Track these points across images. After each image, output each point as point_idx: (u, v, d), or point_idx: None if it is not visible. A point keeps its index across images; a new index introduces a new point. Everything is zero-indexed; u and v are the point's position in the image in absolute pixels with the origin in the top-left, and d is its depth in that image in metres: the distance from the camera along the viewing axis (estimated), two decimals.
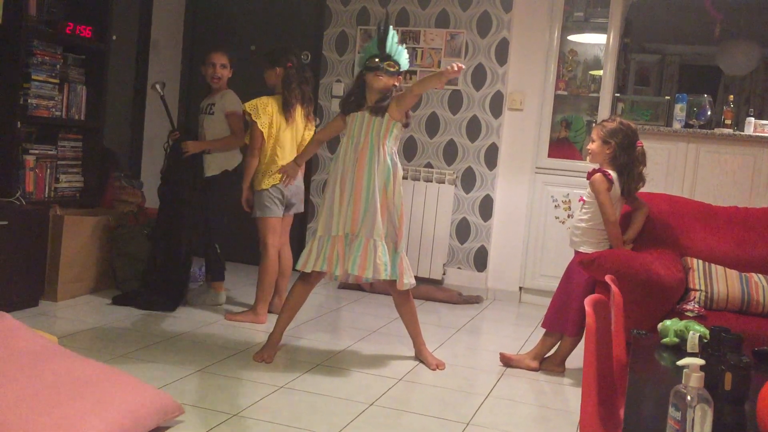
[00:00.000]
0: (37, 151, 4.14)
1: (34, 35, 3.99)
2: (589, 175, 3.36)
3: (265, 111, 3.87)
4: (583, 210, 3.40)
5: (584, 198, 3.41)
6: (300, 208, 4.17)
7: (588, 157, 3.45)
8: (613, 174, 3.30)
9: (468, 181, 5.08)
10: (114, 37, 4.67)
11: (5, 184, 3.85)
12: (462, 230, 5.11)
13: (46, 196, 4.20)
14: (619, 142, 3.30)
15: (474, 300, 4.89)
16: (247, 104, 3.90)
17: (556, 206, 4.92)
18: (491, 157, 5.03)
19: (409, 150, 5.18)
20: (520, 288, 5.04)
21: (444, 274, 5.09)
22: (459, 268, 5.12)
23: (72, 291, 4.05)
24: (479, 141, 5.05)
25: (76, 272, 4.07)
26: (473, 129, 5.06)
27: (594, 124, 3.47)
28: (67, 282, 4.01)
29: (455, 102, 5.08)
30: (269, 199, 3.93)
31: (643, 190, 3.45)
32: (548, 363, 3.47)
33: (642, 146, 3.36)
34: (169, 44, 5.60)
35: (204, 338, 3.54)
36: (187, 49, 5.70)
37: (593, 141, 3.38)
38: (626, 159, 3.30)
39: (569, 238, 3.49)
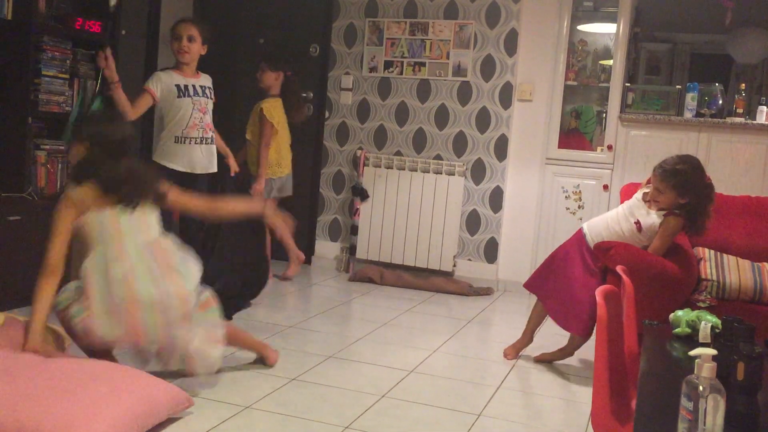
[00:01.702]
0: (48, 147, 4.15)
1: (43, 31, 4.00)
2: (667, 213, 3.09)
3: (276, 111, 4.54)
4: (635, 231, 3.17)
5: (642, 225, 3.15)
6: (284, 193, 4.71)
7: (652, 205, 3.12)
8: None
9: (478, 172, 5.07)
10: (123, 32, 4.68)
11: (17, 180, 3.87)
12: (472, 222, 5.10)
13: (58, 191, 4.22)
14: (695, 192, 3.05)
15: (484, 292, 4.89)
16: (263, 109, 4.50)
17: (566, 197, 4.90)
18: (501, 148, 5.02)
19: (418, 142, 5.18)
20: None
21: (454, 265, 5.09)
22: (469, 259, 5.12)
23: None
24: (489, 132, 5.04)
25: None
26: (483, 120, 5.04)
27: (660, 171, 3.06)
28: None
29: (464, 93, 5.07)
30: (268, 187, 4.54)
31: None
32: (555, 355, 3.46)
33: (710, 181, 3.12)
34: None
35: None
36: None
37: (659, 191, 3.07)
38: (702, 204, 3.06)
39: (597, 231, 3.28)
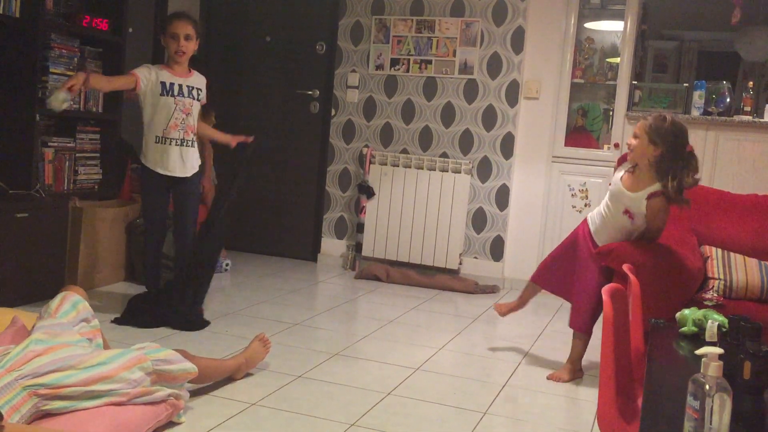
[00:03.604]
0: (55, 144, 4.18)
1: (51, 28, 4.02)
2: (651, 194, 3.00)
3: None
4: (628, 221, 3.11)
5: (632, 214, 3.07)
6: None
7: (628, 154, 3.10)
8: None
9: (484, 170, 5.07)
10: (130, 30, 4.69)
11: (25, 177, 3.89)
12: (478, 220, 5.10)
13: (65, 188, 4.24)
14: (668, 146, 2.96)
15: (490, 290, 4.88)
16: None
17: (573, 195, 4.89)
18: (507, 146, 5.01)
19: (424, 140, 5.18)
20: None
21: (460, 263, 5.08)
22: (475, 257, 5.12)
23: (92, 282, 4.10)
24: (495, 130, 5.03)
25: (95, 263, 4.12)
26: (489, 118, 5.04)
27: (642, 120, 3.06)
28: (86, 273, 4.06)
29: (471, 91, 5.06)
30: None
31: None
32: (573, 372, 3.25)
33: (692, 150, 3.05)
34: None
35: (219, 329, 3.57)
36: (203, 41, 5.70)
37: (636, 137, 3.04)
38: (672, 165, 2.98)
39: (595, 225, 3.25)
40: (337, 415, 2.60)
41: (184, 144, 3.57)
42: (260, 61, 5.51)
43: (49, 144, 4.14)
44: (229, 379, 2.83)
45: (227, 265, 4.90)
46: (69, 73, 4.15)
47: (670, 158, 2.97)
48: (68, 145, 4.26)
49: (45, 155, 4.09)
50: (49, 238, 3.80)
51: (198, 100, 3.63)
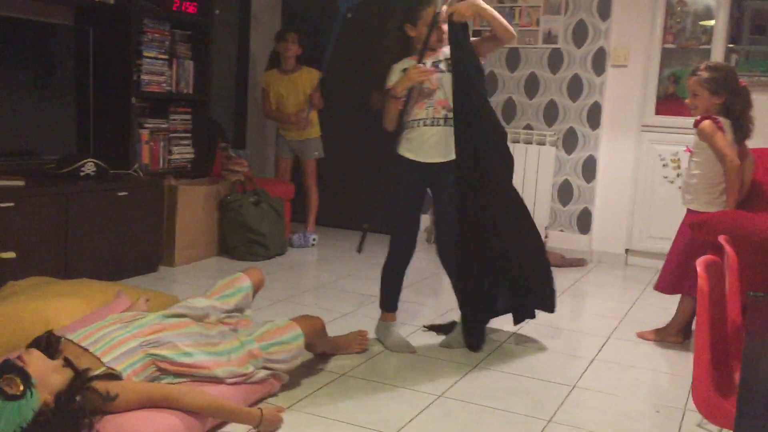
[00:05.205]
0: (151, 125, 4.36)
1: (144, 14, 4.18)
2: (696, 123, 3.15)
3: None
4: (692, 163, 3.20)
5: (691, 148, 3.23)
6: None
7: (693, 112, 3.21)
8: (723, 120, 3.10)
9: (570, 141, 4.97)
10: (217, 12, 4.82)
11: (124, 157, 4.09)
12: (564, 192, 5.01)
13: (161, 167, 4.43)
14: (730, 91, 3.10)
15: (578, 263, 4.81)
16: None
17: (664, 165, 4.73)
18: (594, 116, 4.88)
19: (508, 111, 5.11)
20: (626, 250, 4.91)
21: (546, 236, 5.02)
22: (562, 230, 5.04)
23: (187, 256, 4.28)
24: (581, 100, 4.91)
25: (190, 239, 4.29)
26: (574, 88, 4.92)
27: (693, 77, 3.16)
28: (182, 248, 4.23)
29: (555, 61, 4.95)
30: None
31: (761, 145, 3.26)
32: (664, 333, 3.31)
33: (746, 85, 3.16)
34: (269, 17, 5.71)
35: (309, 302, 3.66)
36: (286, 20, 5.80)
37: (696, 95, 3.15)
38: (739, 104, 3.11)
39: (681, 195, 3.31)
40: (423, 386, 2.64)
41: (435, 123, 2.98)
42: (341, 37, 5.53)
43: (145, 125, 4.32)
44: (321, 354, 2.90)
45: (314, 239, 5.00)
46: (161, 56, 4.31)
47: (733, 100, 3.11)
48: (162, 126, 4.44)
49: (141, 136, 4.28)
50: (147, 215, 3.99)
51: (444, 71, 2.97)
